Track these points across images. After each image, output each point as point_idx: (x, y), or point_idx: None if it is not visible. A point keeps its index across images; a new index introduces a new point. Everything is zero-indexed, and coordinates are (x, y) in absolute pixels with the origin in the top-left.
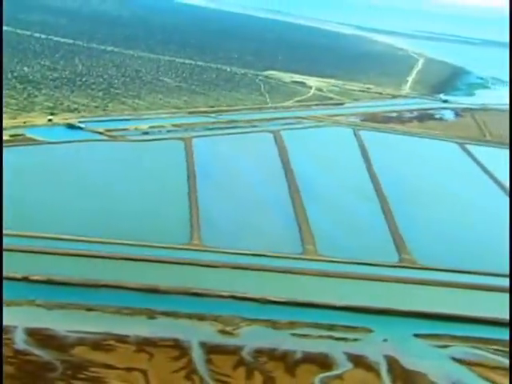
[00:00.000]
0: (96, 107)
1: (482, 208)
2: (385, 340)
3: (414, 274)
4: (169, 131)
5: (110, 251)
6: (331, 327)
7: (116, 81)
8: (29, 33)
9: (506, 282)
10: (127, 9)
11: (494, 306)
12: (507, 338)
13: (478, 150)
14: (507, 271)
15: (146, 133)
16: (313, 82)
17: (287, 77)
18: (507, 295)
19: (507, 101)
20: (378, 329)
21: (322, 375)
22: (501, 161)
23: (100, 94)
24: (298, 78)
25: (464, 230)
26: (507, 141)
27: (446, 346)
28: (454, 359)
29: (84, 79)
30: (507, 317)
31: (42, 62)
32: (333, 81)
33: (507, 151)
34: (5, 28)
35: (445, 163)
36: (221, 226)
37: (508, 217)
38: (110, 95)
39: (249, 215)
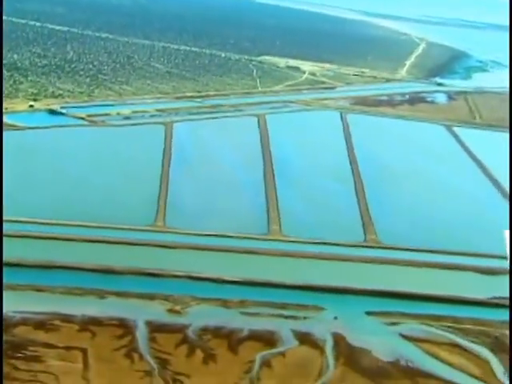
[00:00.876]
0: (81, 93)
1: (458, 189)
2: (335, 318)
3: (375, 253)
4: (151, 116)
5: (70, 233)
6: (283, 306)
7: (106, 67)
8: (24, 21)
9: (465, 261)
10: None
11: (450, 284)
12: (459, 314)
13: (465, 132)
14: (470, 250)
15: (128, 118)
16: (307, 66)
17: (282, 62)
18: (464, 273)
19: (504, 84)
20: (331, 307)
21: (263, 352)
22: (486, 143)
23: (87, 80)
24: (292, 62)
25: (435, 210)
26: (496, 123)
27: (396, 323)
28: (403, 336)
29: (73, 66)
30: (460, 294)
31: (33, 50)
32: (328, 65)
33: (495, 133)
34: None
35: (428, 145)
36: (188, 209)
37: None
38: (97, 81)
39: (218, 198)
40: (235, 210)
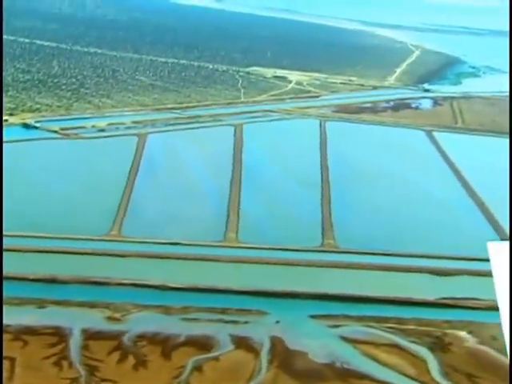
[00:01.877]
0: (59, 107)
1: (427, 193)
2: (277, 322)
3: (329, 257)
4: (127, 128)
5: (20, 244)
6: (225, 311)
7: (89, 81)
8: (13, 38)
9: (420, 262)
10: (124, 13)
11: (401, 286)
12: (404, 315)
13: (444, 137)
14: (427, 253)
15: (103, 130)
16: (295, 76)
17: (270, 72)
18: (418, 275)
19: (492, 88)
20: (275, 311)
21: (196, 357)
22: (463, 147)
23: (68, 94)
24: (280, 72)
25: (400, 215)
26: (478, 127)
27: (339, 326)
28: (343, 338)
29: (56, 80)
30: (410, 295)
31: (18, 65)
32: (316, 74)
33: (474, 137)
34: None
35: (404, 150)
36: (147, 218)
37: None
38: (78, 95)
39: (180, 207)
40: (195, 219)
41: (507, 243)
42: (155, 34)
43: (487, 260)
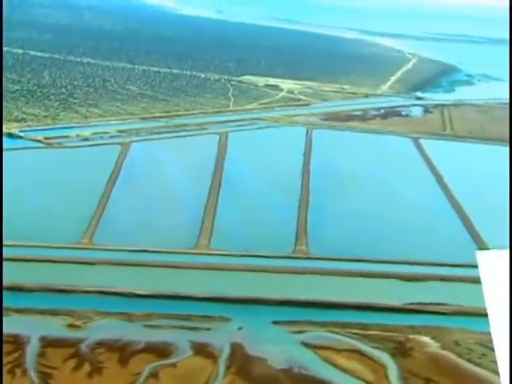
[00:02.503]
0: (45, 116)
1: (407, 199)
2: (239, 328)
3: (299, 263)
4: (111, 137)
5: None
6: (188, 317)
7: (78, 91)
8: (7, 49)
9: (391, 268)
10: (121, 23)
11: (368, 292)
12: (369, 321)
13: (431, 144)
14: (399, 259)
15: (86, 139)
16: (287, 85)
17: (262, 81)
18: (388, 280)
19: (485, 96)
20: (238, 318)
21: (154, 364)
22: (449, 154)
23: (56, 104)
24: (272, 81)
25: (377, 221)
26: (466, 134)
27: (302, 332)
28: (304, 343)
29: (45, 90)
30: (378, 301)
31: (9, 76)
32: (309, 83)
33: (460, 144)
34: None
35: (389, 158)
36: (120, 226)
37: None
38: (65, 105)
39: (155, 215)
40: (169, 227)
41: (495, 252)
42: (151, 44)
43: (458, 266)
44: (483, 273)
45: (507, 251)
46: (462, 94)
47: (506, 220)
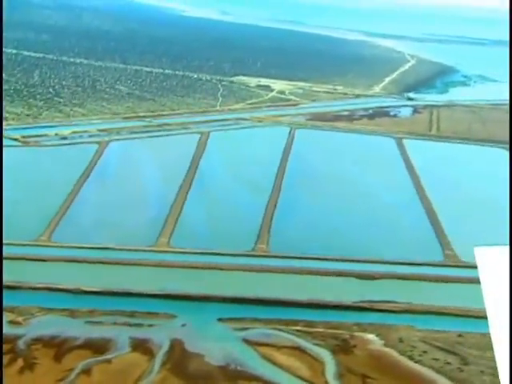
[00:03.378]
0: (28, 115)
1: (379, 199)
2: (183, 325)
3: (256, 261)
4: (90, 136)
5: None
6: (132, 314)
7: (66, 90)
8: None
9: (350, 267)
10: (121, 24)
11: (323, 290)
12: (315, 318)
13: (413, 144)
14: (357, 257)
15: (65, 138)
16: (279, 85)
17: (254, 81)
18: (343, 279)
19: (476, 97)
20: (183, 315)
21: (88, 360)
22: (429, 153)
23: (41, 103)
24: (264, 81)
25: (344, 220)
26: (450, 134)
27: (245, 329)
28: (245, 340)
29: (32, 90)
30: (324, 298)
31: None
32: (302, 83)
33: (442, 144)
34: None
35: (367, 157)
36: (82, 224)
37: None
38: (50, 104)
39: (119, 213)
40: (132, 224)
41: (494, 248)
42: (148, 45)
43: (416, 264)
44: (481, 269)
45: (505, 247)
46: (455, 95)
47: (476, 216)
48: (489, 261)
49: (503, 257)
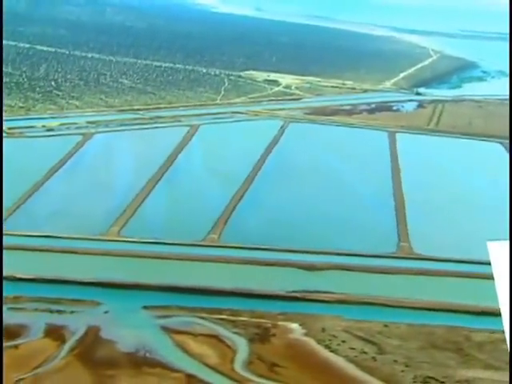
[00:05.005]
0: (21, 107)
1: (353, 192)
2: (106, 312)
3: (203, 251)
4: (77, 128)
5: None
6: (57, 301)
7: (68, 83)
8: (13, 43)
9: (292, 257)
10: (144, 19)
11: (261, 279)
12: (241, 307)
13: (405, 138)
14: (301, 248)
15: (51, 130)
16: (288, 80)
17: (263, 76)
18: (283, 269)
19: (489, 91)
20: (109, 302)
21: None
22: (419, 148)
23: (38, 96)
24: (274, 76)
25: (308, 212)
26: (448, 129)
27: (168, 317)
28: (164, 328)
29: (34, 83)
30: (263, 288)
31: (4, 69)
32: (311, 78)
33: (434, 138)
34: None
35: (352, 150)
36: (39, 212)
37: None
38: (47, 97)
39: (80, 202)
40: (89, 214)
41: (507, 242)
42: (166, 41)
43: (362, 256)
44: (494, 263)
45: None
46: (468, 90)
47: (448, 210)
48: (502, 255)
49: None
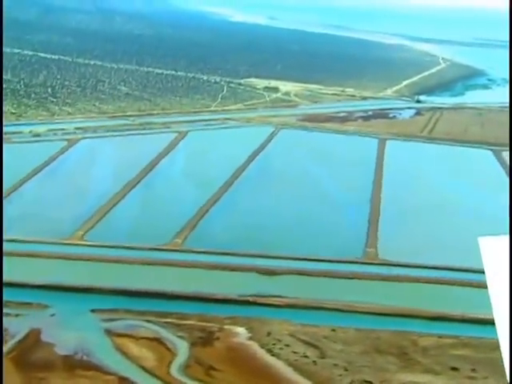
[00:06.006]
0: (12, 113)
1: (328, 198)
2: (52, 315)
3: (164, 255)
4: (65, 133)
5: None
6: (5, 304)
7: (64, 90)
8: (17, 51)
9: (255, 262)
10: (153, 28)
11: (220, 284)
12: (190, 311)
13: (395, 145)
14: (263, 252)
15: (38, 135)
16: (288, 87)
17: (264, 83)
18: (243, 274)
19: (490, 99)
20: (57, 305)
21: None
22: (406, 154)
23: (32, 102)
24: (274, 84)
25: (278, 218)
26: (441, 136)
27: (114, 320)
28: (107, 331)
29: (30, 90)
30: (209, 291)
31: (3, 76)
32: (313, 85)
33: (425, 145)
34: None
35: (338, 157)
36: (10, 216)
37: None
38: (41, 103)
39: (50, 207)
40: (58, 218)
41: (499, 238)
42: (172, 48)
43: (321, 261)
44: (485, 259)
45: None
46: (470, 97)
47: (423, 217)
48: (493, 251)
49: (508, 247)
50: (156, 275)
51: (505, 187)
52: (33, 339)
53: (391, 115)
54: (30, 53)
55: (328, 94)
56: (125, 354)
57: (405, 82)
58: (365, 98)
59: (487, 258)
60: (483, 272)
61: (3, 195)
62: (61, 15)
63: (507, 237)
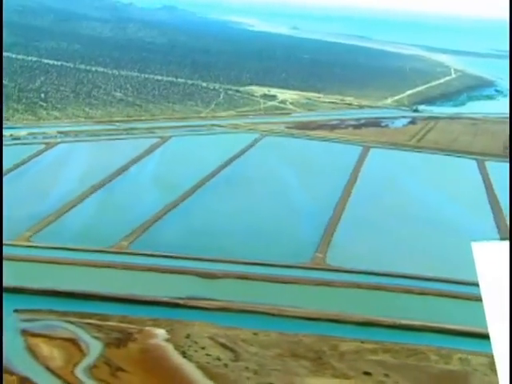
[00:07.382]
0: None
1: (293, 204)
2: None
3: (104, 257)
4: (45, 137)
5: None
6: None
7: (57, 95)
8: (21, 57)
9: (195, 265)
10: (166, 35)
11: (157, 286)
12: (113, 312)
13: (378, 153)
14: (201, 256)
15: (17, 139)
16: (286, 95)
17: (262, 91)
18: (184, 277)
19: (490, 110)
20: None
21: None
22: (384, 162)
23: (21, 106)
24: (274, 91)
25: (239, 224)
26: (429, 145)
27: (35, 320)
28: (23, 331)
29: (23, 94)
30: (141, 293)
31: None
32: (312, 94)
33: (411, 154)
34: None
35: (316, 165)
36: None
37: None
38: (29, 108)
39: (6, 208)
40: (9, 218)
41: (492, 244)
42: (180, 56)
43: (261, 265)
44: (479, 264)
45: (504, 243)
46: (469, 108)
47: (382, 224)
48: (486, 256)
49: (501, 252)
50: (93, 277)
51: (478, 197)
52: None
53: (383, 124)
54: (34, 59)
55: (325, 102)
56: (34, 353)
57: (408, 92)
58: (361, 107)
59: (480, 263)
60: (425, 279)
61: None
62: (76, 23)
63: (500, 242)
